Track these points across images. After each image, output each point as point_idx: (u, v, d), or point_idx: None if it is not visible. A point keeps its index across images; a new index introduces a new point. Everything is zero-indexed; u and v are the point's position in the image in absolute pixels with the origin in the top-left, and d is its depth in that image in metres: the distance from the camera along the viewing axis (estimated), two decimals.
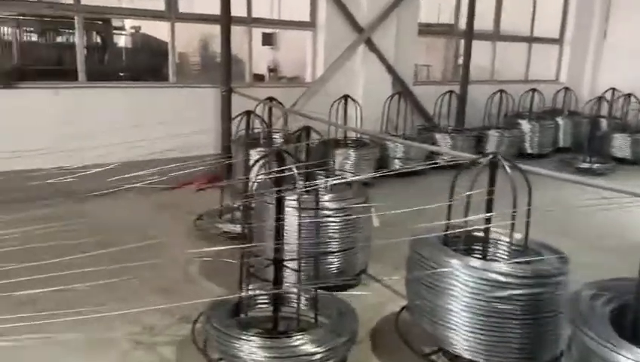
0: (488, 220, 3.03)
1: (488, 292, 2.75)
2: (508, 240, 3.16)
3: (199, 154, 5.83)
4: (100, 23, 9.99)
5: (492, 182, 2.96)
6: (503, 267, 2.81)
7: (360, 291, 4.01)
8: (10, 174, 4.69)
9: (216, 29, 6.87)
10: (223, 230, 4.97)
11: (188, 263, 4.36)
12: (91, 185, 4.16)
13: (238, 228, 4.71)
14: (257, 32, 10.32)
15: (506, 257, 3.22)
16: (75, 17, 6.30)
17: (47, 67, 9.09)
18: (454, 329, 2.89)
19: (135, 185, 3.56)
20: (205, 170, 6.53)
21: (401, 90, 8.20)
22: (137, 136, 5.35)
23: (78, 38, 6.45)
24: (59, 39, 10.20)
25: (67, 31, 9.73)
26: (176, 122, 6.11)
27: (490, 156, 2.94)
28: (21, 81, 6.22)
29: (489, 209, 3.01)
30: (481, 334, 2.81)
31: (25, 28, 9.82)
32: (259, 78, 9.74)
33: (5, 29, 9.50)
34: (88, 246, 3.39)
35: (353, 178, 3.43)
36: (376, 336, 3.47)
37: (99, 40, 10.35)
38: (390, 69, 8.17)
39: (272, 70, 11.88)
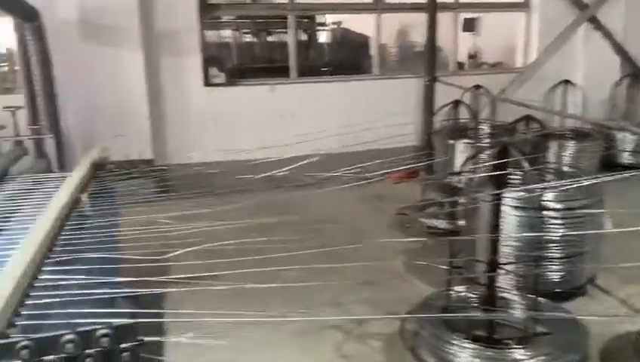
0: None
1: None
2: None
3: (400, 146, 5.76)
4: (306, 20, 10.50)
5: None
6: None
7: (587, 303, 3.55)
8: (229, 164, 5.11)
9: (413, 18, 6.68)
10: (427, 225, 4.83)
11: (393, 258, 4.30)
12: (303, 177, 4.33)
13: (444, 225, 4.53)
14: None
15: None
16: (289, 16, 6.67)
17: (260, 65, 9.88)
18: None
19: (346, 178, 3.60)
20: (405, 163, 6.43)
21: (632, 72, 7.20)
22: (344, 128, 5.47)
23: (291, 36, 6.79)
24: (269, 38, 11.00)
25: (277, 30, 10.43)
26: (379, 114, 6.13)
27: None
28: (241, 79, 6.82)
29: None
30: None
31: (242, 29, 10.80)
32: (459, 65, 9.31)
33: (225, 31, 10.56)
34: (300, 236, 3.49)
35: (595, 178, 3.01)
36: (607, 358, 3.01)
37: (305, 37, 10.91)
38: (619, 49, 7.24)
39: (472, 57, 11.31)
